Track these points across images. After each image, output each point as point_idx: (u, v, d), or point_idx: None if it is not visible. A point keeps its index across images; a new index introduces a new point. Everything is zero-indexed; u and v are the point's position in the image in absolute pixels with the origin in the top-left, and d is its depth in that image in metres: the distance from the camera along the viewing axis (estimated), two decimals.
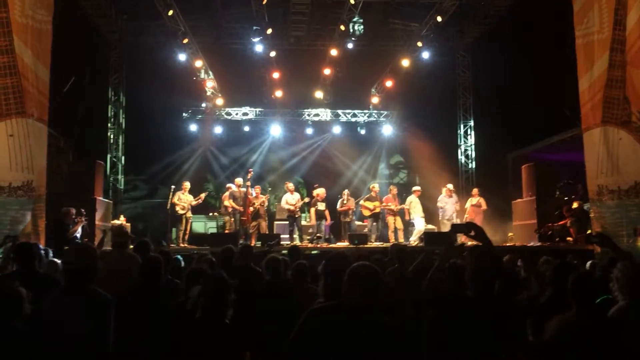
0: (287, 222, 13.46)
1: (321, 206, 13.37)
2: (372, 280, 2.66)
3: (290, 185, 13.61)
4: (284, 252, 7.01)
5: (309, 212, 14.09)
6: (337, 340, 2.52)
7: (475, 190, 14.11)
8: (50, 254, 6.02)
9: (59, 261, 5.19)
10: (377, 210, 13.53)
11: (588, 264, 6.29)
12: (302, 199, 13.63)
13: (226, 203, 13.18)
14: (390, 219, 13.36)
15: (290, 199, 13.16)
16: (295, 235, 13.91)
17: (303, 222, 14.00)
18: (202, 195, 13.14)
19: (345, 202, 13.50)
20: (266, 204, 13.31)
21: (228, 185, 13.69)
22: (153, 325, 3.85)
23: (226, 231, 13.20)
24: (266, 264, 5.08)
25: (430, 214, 14.17)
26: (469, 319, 2.94)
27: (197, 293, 3.75)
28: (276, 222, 14.41)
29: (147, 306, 3.99)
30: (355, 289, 2.63)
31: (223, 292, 3.41)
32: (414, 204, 13.43)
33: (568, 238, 12.00)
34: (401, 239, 13.12)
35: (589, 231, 10.94)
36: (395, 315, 3.34)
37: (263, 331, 4.31)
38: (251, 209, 12.88)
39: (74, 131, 13.99)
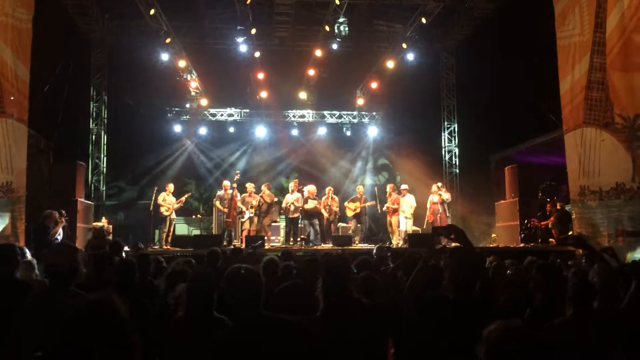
0: (279, 224, 13.40)
1: (312, 204, 13.04)
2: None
3: (292, 185, 13.45)
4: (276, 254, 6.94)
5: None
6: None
7: (434, 187, 13.42)
8: (28, 254, 5.90)
9: (34, 261, 5.09)
10: (358, 210, 13.52)
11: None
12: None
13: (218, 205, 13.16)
14: (388, 219, 13.42)
15: (290, 198, 13.03)
16: (280, 237, 13.85)
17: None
18: (183, 198, 13.06)
19: (329, 201, 13.40)
20: (272, 199, 13.08)
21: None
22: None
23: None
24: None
25: (415, 215, 14.14)
26: (449, 321, 2.92)
27: (179, 291, 3.69)
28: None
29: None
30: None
31: (209, 289, 3.36)
32: (401, 203, 13.35)
33: (550, 239, 12.09)
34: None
35: (570, 232, 11.04)
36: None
37: None
38: (253, 208, 12.79)
39: (55, 132, 13.79)
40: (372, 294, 3.77)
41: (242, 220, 13.00)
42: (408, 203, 13.31)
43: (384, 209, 13.59)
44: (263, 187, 13.04)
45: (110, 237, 11.38)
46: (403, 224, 13.22)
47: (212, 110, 17.68)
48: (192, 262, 5.54)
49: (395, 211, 13.25)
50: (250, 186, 13.20)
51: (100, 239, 6.05)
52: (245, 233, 12.86)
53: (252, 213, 12.85)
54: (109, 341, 2.10)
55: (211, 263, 5.85)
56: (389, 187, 13.94)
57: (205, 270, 3.65)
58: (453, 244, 7.25)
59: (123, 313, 2.17)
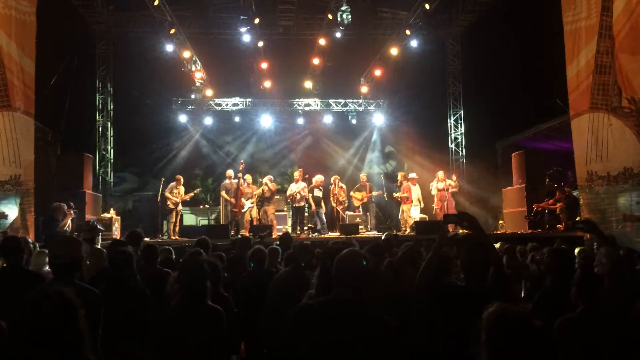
0: (285, 213, 13.52)
1: (318, 193, 13.07)
2: (361, 274, 2.60)
3: (297, 174, 13.43)
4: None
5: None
6: (326, 337, 2.49)
7: (440, 174, 13.51)
8: (31, 246, 5.94)
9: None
10: (365, 200, 13.51)
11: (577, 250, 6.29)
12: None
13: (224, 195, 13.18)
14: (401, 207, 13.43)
15: (295, 188, 13.03)
16: (287, 226, 13.86)
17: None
18: (191, 193, 13.08)
19: (336, 191, 13.40)
20: (275, 188, 13.09)
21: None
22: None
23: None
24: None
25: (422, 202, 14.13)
26: (459, 309, 2.91)
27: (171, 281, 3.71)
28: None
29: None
30: (345, 284, 2.58)
31: (200, 278, 3.35)
32: (411, 191, 13.30)
33: (558, 225, 12.06)
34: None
35: (578, 218, 10.99)
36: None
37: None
38: (252, 198, 12.82)
39: (62, 124, 13.83)
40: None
41: (243, 211, 13.00)
42: (416, 192, 13.34)
43: (396, 196, 13.56)
44: (265, 180, 13.04)
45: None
46: (415, 211, 13.21)
47: (217, 100, 17.65)
48: (201, 252, 5.58)
49: (407, 199, 13.26)
50: (248, 178, 13.20)
51: (92, 232, 6.06)
52: (247, 224, 12.89)
53: (252, 204, 12.90)
54: (59, 327, 2.27)
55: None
56: (400, 176, 13.93)
57: (197, 259, 3.66)
58: (460, 231, 7.27)
59: (75, 302, 2.32)
